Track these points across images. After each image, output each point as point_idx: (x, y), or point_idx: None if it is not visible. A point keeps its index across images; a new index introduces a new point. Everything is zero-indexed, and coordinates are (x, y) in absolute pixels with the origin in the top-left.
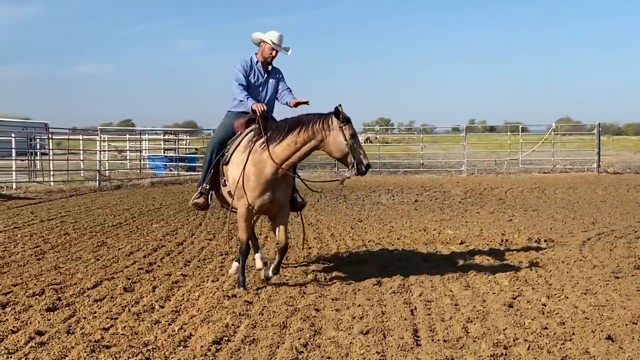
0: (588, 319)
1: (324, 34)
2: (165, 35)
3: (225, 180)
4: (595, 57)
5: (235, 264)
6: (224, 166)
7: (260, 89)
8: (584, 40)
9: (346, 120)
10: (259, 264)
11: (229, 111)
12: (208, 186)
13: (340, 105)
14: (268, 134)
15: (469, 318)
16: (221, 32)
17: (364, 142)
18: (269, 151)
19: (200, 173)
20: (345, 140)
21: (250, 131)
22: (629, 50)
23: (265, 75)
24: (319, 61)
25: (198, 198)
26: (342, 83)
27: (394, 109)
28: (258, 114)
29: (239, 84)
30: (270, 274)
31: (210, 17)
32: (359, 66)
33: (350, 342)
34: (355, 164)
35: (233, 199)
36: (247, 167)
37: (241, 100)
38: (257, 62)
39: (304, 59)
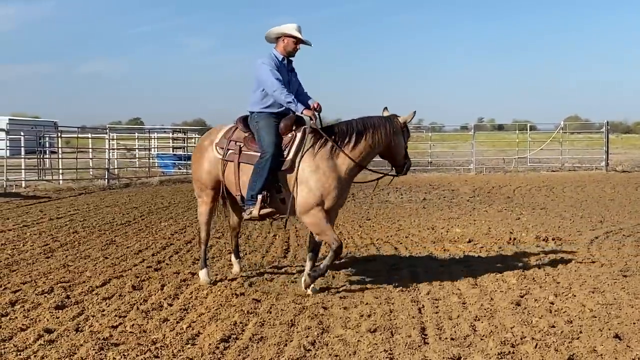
0: (596, 317)
1: (332, 33)
2: (175, 34)
3: (280, 187)
4: (605, 55)
5: (236, 265)
6: (280, 172)
7: (289, 87)
8: (594, 37)
9: (406, 124)
10: (236, 268)
11: (261, 112)
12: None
13: (386, 107)
14: (334, 138)
15: (476, 316)
16: (231, 31)
17: None
18: (345, 154)
19: None
20: (405, 143)
21: (310, 135)
22: (638, 48)
23: (290, 73)
24: (326, 60)
25: (263, 208)
26: (351, 82)
27: (402, 107)
28: (311, 118)
29: (282, 85)
30: (307, 281)
31: (220, 16)
32: (366, 64)
33: (358, 340)
34: (405, 166)
35: (295, 205)
36: (327, 173)
37: (289, 102)
38: (283, 58)
39: (312, 58)
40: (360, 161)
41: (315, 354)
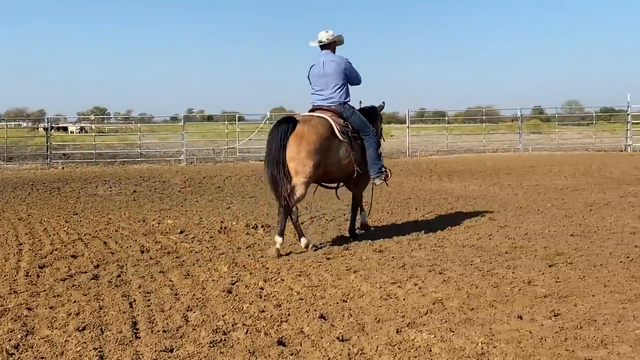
0: (302, 299)
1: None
2: None
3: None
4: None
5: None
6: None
7: None
8: (307, 29)
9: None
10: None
11: (348, 103)
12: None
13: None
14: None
15: (189, 307)
16: None
17: (79, 132)
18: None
19: None
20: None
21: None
22: (362, 42)
23: None
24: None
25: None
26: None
27: (109, 98)
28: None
29: None
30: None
31: None
32: (76, 55)
33: (66, 340)
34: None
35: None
36: None
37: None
38: None
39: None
40: None
41: (20, 357)
